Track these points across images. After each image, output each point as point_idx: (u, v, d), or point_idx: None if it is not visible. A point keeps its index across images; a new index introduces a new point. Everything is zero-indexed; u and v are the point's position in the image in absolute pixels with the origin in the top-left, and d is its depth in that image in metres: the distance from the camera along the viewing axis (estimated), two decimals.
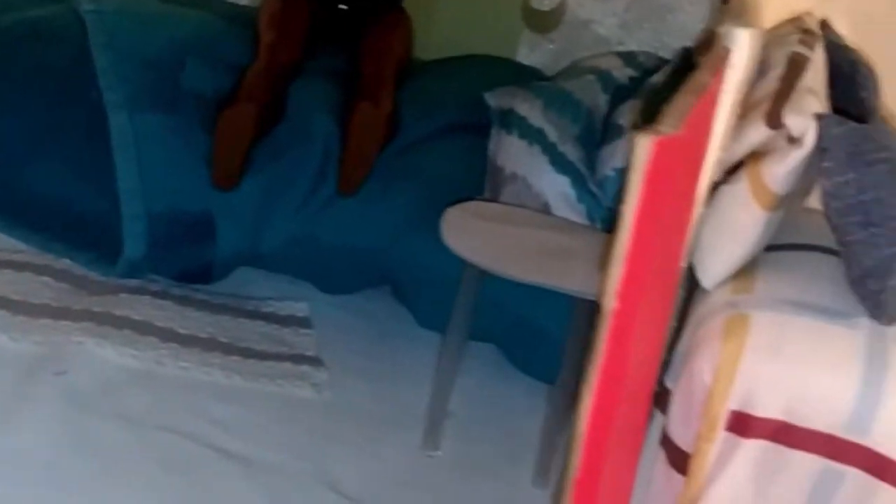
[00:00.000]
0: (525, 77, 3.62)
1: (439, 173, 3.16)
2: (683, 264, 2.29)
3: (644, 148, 1.25)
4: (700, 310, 2.28)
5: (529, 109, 3.15)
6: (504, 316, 2.94)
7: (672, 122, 1.33)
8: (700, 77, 1.63)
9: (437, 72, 3.69)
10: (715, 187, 2.31)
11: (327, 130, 3.15)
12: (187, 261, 3.09)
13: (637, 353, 1.54)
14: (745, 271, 2.32)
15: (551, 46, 4.02)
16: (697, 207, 2.08)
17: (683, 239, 1.99)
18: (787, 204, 2.28)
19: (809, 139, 2.14)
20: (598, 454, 1.38)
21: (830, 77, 2.76)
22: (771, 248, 2.43)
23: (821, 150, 2.14)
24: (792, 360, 2.13)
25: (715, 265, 2.29)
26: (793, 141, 2.17)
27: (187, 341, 2.84)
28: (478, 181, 3.13)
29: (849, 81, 2.71)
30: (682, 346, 2.25)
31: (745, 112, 2.35)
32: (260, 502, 2.37)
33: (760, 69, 2.51)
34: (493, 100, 3.30)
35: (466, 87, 3.46)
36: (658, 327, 1.97)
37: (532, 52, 4.02)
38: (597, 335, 1.34)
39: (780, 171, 2.18)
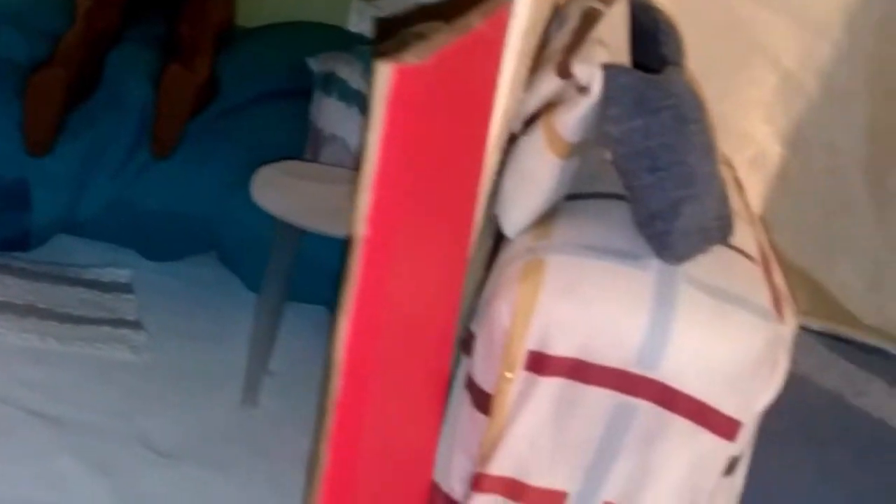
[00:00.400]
0: (352, 44, 3.66)
1: (261, 137, 3.18)
2: (485, 212, 2.36)
3: (384, 74, 1.29)
4: (503, 257, 2.35)
5: (350, 73, 3.19)
6: (326, 275, 2.97)
7: (418, 53, 1.38)
8: (467, 19, 1.68)
9: (264, 38, 3.69)
10: (516, 139, 2.39)
11: (144, 96, 3.14)
12: (3, 228, 3.05)
13: (407, 287, 1.58)
14: (546, 219, 2.40)
15: (381, 14, 4.06)
16: (491, 154, 2.14)
17: (475, 183, 2.04)
18: (581, 152, 2.36)
19: (596, 87, 2.23)
20: (359, 380, 1.42)
21: (634, 34, 2.87)
22: (572, 196, 2.51)
23: (607, 98, 2.23)
24: (585, 300, 2.21)
25: (516, 214, 2.37)
26: (582, 90, 2.25)
27: (3, 308, 2.81)
28: (300, 144, 3.16)
29: (651, 39, 2.82)
30: (485, 292, 2.32)
31: (541, 64, 2.43)
32: (71, 461, 2.37)
33: (560, 23, 2.59)
34: (316, 65, 3.33)
35: (292, 53, 3.48)
36: (450, 270, 2.02)
37: (362, 20, 4.06)
38: (350, 262, 1.38)
39: (571, 119, 2.25)
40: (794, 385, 3.46)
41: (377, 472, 1.73)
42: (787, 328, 2.34)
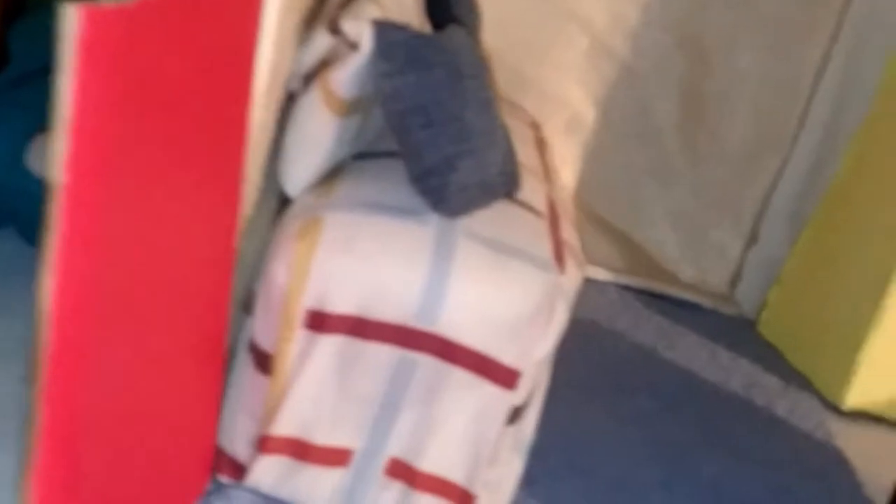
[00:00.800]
0: None
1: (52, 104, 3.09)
2: (265, 171, 2.34)
3: (71, 19, 1.27)
4: (284, 217, 2.33)
5: None
6: None
7: None
8: None
9: (56, 7, 3.59)
10: (295, 97, 2.38)
11: None
12: None
13: (132, 239, 1.55)
14: (330, 178, 2.40)
15: None
16: (258, 110, 2.11)
17: (237, 139, 2.02)
18: (360, 110, 2.36)
19: (366, 43, 2.22)
20: (72, 332, 1.39)
21: None
22: (361, 155, 2.51)
23: (378, 53, 2.23)
24: (363, 256, 2.21)
25: (296, 172, 2.35)
26: (352, 46, 2.25)
27: None
28: None
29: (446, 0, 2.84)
30: (267, 253, 2.30)
31: (317, 21, 2.41)
32: None
33: None
34: None
35: None
36: (212, 228, 1.99)
37: None
38: (50, 210, 1.35)
39: (343, 76, 2.25)
40: (609, 340, 3.56)
41: (120, 434, 1.70)
42: (568, 280, 2.39)
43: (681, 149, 3.86)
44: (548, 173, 2.91)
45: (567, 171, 3.88)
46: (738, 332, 3.77)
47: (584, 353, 3.42)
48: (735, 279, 3.93)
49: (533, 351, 2.27)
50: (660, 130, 3.86)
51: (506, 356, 2.24)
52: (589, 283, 3.81)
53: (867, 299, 3.36)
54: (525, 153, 2.89)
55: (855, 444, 3.27)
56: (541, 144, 3.17)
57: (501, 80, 3.75)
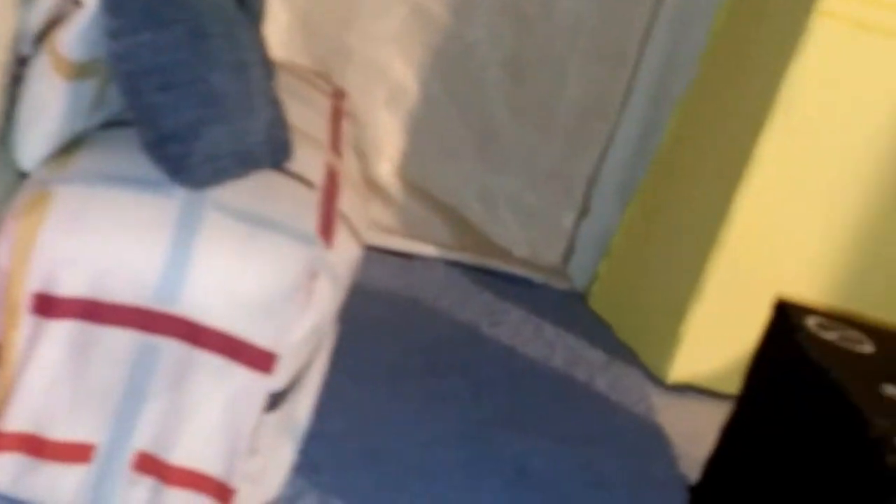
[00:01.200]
0: None
1: None
2: None
3: None
4: (18, 193, 2.13)
5: None
6: None
7: None
8: None
9: None
10: (28, 62, 2.18)
11: None
12: None
13: None
14: (69, 149, 2.19)
15: None
16: None
17: None
18: (99, 73, 2.16)
19: None
20: None
21: None
22: (112, 124, 2.31)
23: (108, 10, 2.03)
24: (95, 233, 2.03)
25: (28, 144, 2.15)
26: (77, 3, 2.06)
27: None
28: None
29: None
30: None
31: None
32: None
33: None
34: None
35: None
36: None
37: None
38: None
39: (68, 36, 2.05)
40: (430, 319, 3.41)
41: None
42: (337, 254, 2.23)
43: (509, 120, 3.73)
44: (337, 144, 2.73)
45: (391, 144, 3.72)
46: (568, 307, 3.65)
47: (400, 332, 3.27)
48: (568, 252, 3.82)
49: (291, 331, 2.10)
50: (487, 101, 3.72)
51: (259, 337, 2.07)
52: (415, 259, 3.68)
53: (689, 271, 3.27)
54: (312, 122, 2.72)
55: (676, 418, 3.17)
56: (338, 115, 2.99)
57: (318, 50, 3.59)
